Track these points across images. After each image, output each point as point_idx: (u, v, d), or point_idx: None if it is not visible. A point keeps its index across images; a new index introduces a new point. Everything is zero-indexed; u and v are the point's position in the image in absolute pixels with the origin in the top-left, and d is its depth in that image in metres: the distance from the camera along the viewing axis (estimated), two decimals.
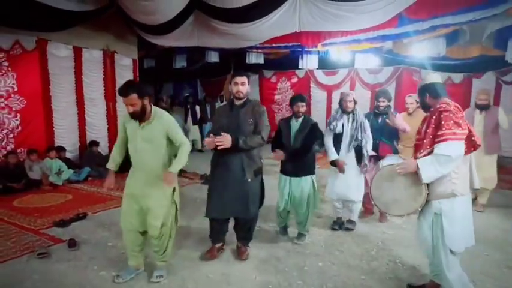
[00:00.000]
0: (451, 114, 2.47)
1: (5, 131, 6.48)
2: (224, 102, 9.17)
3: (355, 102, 4.10)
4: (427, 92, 2.76)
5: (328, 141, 4.16)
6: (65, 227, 4.38)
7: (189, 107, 11.21)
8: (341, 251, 3.80)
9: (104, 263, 3.42)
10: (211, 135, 3.26)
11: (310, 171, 3.92)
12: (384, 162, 2.89)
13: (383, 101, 4.49)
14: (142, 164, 3.05)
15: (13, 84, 6.49)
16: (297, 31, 6.97)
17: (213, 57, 9.55)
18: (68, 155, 7.31)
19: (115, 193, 5.70)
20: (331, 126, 4.13)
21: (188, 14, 6.70)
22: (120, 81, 7.55)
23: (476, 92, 5.74)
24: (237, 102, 3.42)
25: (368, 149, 4.10)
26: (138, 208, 3.04)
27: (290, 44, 7.94)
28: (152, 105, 3.04)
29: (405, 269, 3.39)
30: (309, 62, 9.40)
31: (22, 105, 6.63)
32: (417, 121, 4.31)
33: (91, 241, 3.98)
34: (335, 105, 4.40)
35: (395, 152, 4.47)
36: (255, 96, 12.61)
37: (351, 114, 4.10)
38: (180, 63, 10.20)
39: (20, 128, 6.65)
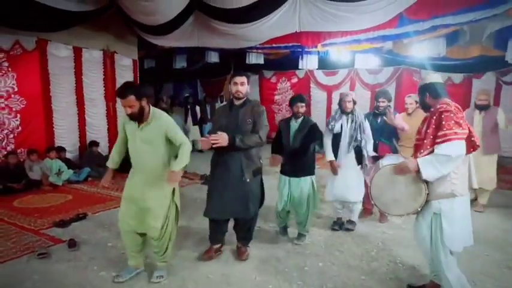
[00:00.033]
0: (452, 115, 2.47)
1: (5, 131, 6.48)
2: (224, 103, 9.16)
3: (354, 103, 4.10)
4: (427, 91, 2.76)
5: (327, 141, 4.18)
6: (65, 227, 4.38)
7: (189, 107, 11.21)
8: (341, 251, 3.80)
9: (104, 264, 3.42)
10: (207, 135, 3.27)
11: (310, 171, 3.92)
12: (383, 162, 2.88)
13: (383, 101, 4.49)
14: (142, 164, 3.06)
15: (13, 84, 6.50)
16: (297, 31, 6.97)
17: (213, 58, 9.55)
18: (68, 155, 7.31)
19: (115, 193, 5.70)
20: (330, 127, 4.14)
21: (188, 15, 6.71)
22: (120, 82, 7.55)
23: (476, 92, 5.74)
24: (237, 102, 3.43)
25: (369, 150, 4.10)
26: (137, 210, 3.03)
27: (290, 45, 7.93)
28: (151, 106, 3.05)
29: (405, 269, 3.39)
30: (309, 62, 9.40)
31: (22, 106, 6.63)
32: (416, 121, 4.32)
33: (91, 241, 3.98)
34: (335, 106, 4.40)
35: (395, 152, 4.47)
36: (255, 96, 12.61)
37: (350, 115, 4.10)
38: (180, 63, 10.20)
39: (20, 128, 6.65)
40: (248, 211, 3.38)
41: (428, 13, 5.67)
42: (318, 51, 9.03)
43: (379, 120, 4.52)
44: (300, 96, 4.00)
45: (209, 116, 11.31)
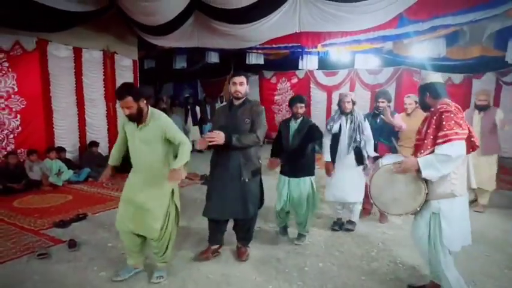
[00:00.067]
0: (452, 115, 2.47)
1: (5, 132, 6.48)
2: (224, 103, 9.17)
3: (353, 103, 4.10)
4: (427, 91, 2.76)
5: (326, 142, 4.20)
6: (65, 227, 4.38)
7: (189, 107, 11.22)
8: (341, 251, 3.80)
9: (104, 264, 3.42)
10: (205, 135, 3.28)
11: (309, 172, 3.91)
12: (383, 161, 2.88)
13: (382, 102, 4.51)
14: (141, 164, 3.07)
15: (13, 84, 6.50)
16: (297, 32, 6.97)
17: (213, 58, 9.55)
18: (68, 155, 7.31)
19: (115, 194, 5.70)
20: (328, 127, 4.17)
21: (188, 15, 6.71)
22: (120, 82, 7.50)
23: (476, 92, 5.73)
24: (236, 102, 3.43)
25: (369, 151, 4.10)
26: (135, 211, 3.03)
27: (290, 45, 7.93)
28: (149, 107, 3.05)
29: (405, 270, 3.39)
30: (309, 62, 9.40)
31: (22, 106, 6.63)
32: (416, 121, 4.33)
33: (91, 242, 3.97)
34: (335, 106, 4.40)
35: (394, 152, 4.46)
36: (255, 96, 12.61)
37: (349, 115, 4.10)
38: (180, 63, 10.20)
39: (20, 128, 6.65)
40: (247, 211, 3.38)
41: (428, 13, 5.67)
42: (318, 52, 9.03)
43: (378, 120, 4.53)
44: (300, 97, 4.00)
45: (209, 117, 11.31)
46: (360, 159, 4.08)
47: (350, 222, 4.37)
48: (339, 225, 4.38)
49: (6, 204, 5.35)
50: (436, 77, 2.81)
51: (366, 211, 4.76)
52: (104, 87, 8.05)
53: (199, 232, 4.07)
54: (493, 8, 5.04)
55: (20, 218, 4.73)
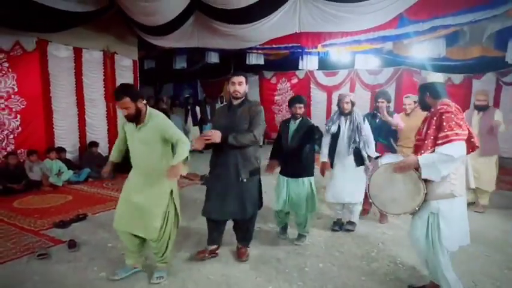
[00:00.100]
0: (453, 116, 2.48)
1: (5, 132, 6.48)
2: (224, 103, 9.18)
3: (353, 104, 4.11)
4: (427, 91, 2.76)
5: (324, 142, 4.24)
6: (65, 228, 4.38)
7: (189, 107, 11.22)
8: (341, 252, 3.80)
9: (104, 264, 3.42)
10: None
11: (309, 172, 3.91)
12: (382, 161, 2.88)
13: (382, 102, 4.53)
14: (140, 164, 3.08)
15: (13, 85, 6.50)
16: (297, 32, 6.97)
17: (213, 58, 9.55)
18: (68, 155, 7.31)
19: (115, 194, 5.70)
20: (327, 128, 4.20)
21: (188, 15, 6.71)
22: (120, 82, 7.54)
23: (475, 92, 5.74)
24: (235, 102, 3.44)
25: (370, 151, 4.09)
26: (134, 212, 3.03)
27: (290, 45, 7.93)
28: (148, 107, 3.05)
29: (405, 270, 3.39)
30: (309, 62, 9.39)
31: (22, 106, 6.63)
32: (415, 121, 4.36)
33: (91, 242, 3.98)
34: (335, 106, 4.41)
35: (393, 152, 4.48)
36: (255, 97, 12.61)
37: (348, 116, 4.11)
38: (180, 64, 10.20)
39: (20, 128, 6.65)
40: (245, 212, 3.38)
41: (428, 14, 5.67)
42: (318, 52, 9.03)
43: (377, 120, 4.54)
44: (299, 97, 4.01)
45: (209, 117, 11.31)
46: (359, 160, 4.09)
47: (350, 222, 4.37)
48: (339, 225, 4.39)
49: (6, 204, 5.35)
50: (437, 77, 2.81)
51: (364, 211, 4.76)
52: (104, 87, 8.06)
53: (200, 232, 4.07)
54: (493, 8, 5.04)
55: (20, 219, 4.73)
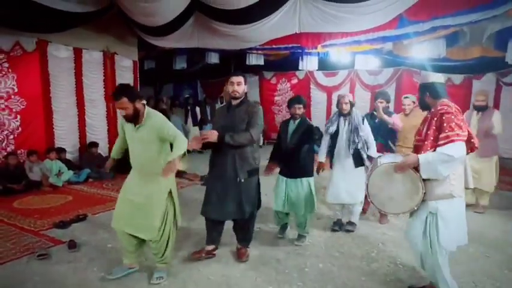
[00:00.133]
0: (453, 117, 2.48)
1: (5, 132, 6.48)
2: (224, 103, 9.21)
3: (351, 105, 4.11)
4: (427, 91, 2.76)
5: (323, 142, 4.29)
6: (65, 228, 4.38)
7: (189, 108, 11.23)
8: (341, 252, 3.80)
9: (104, 265, 3.42)
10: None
11: (308, 173, 3.91)
12: (381, 160, 2.88)
13: (381, 102, 4.57)
14: (139, 164, 3.09)
15: (13, 85, 6.49)
16: (297, 32, 6.98)
17: (213, 59, 9.56)
18: (68, 156, 7.31)
19: (115, 194, 5.68)
20: (326, 128, 4.24)
21: (188, 16, 6.72)
22: (120, 83, 7.55)
23: (475, 93, 5.73)
24: (234, 102, 3.45)
25: (371, 152, 4.09)
26: (132, 211, 3.04)
27: (290, 45, 7.94)
28: (146, 107, 3.06)
29: (406, 271, 3.39)
30: (309, 63, 9.40)
31: (22, 107, 6.63)
32: (413, 121, 4.39)
33: (91, 242, 3.97)
34: (335, 107, 4.42)
35: (392, 151, 4.49)
36: (255, 97, 12.62)
37: (347, 117, 4.12)
38: (180, 64, 10.21)
39: (20, 129, 6.65)
40: (243, 212, 3.38)
41: (428, 14, 5.68)
42: (318, 52, 9.04)
43: (376, 120, 4.55)
44: (298, 98, 4.02)
45: (209, 117, 11.32)
46: (358, 160, 4.09)
47: (350, 223, 4.37)
48: (339, 225, 4.39)
49: (6, 205, 5.34)
50: (437, 77, 2.80)
51: (363, 211, 4.76)
52: (104, 87, 8.05)
53: (200, 233, 4.07)
54: (493, 8, 5.04)
55: (20, 219, 4.73)
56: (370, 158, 4.06)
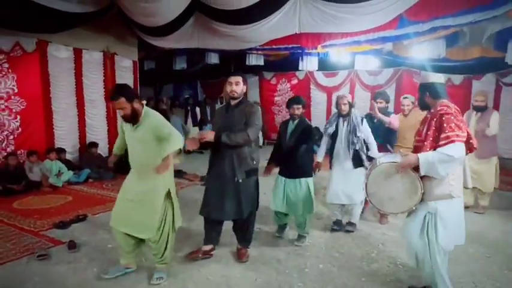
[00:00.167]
0: (452, 117, 2.49)
1: (5, 133, 6.48)
2: (224, 104, 9.22)
3: (350, 105, 4.12)
4: (427, 91, 2.77)
5: (322, 143, 4.33)
6: (65, 228, 4.38)
7: (189, 108, 11.24)
8: (341, 252, 3.79)
9: (104, 265, 3.41)
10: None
11: (306, 173, 3.92)
12: (381, 160, 2.88)
13: (380, 102, 4.59)
14: (137, 164, 3.10)
15: (13, 85, 6.50)
16: (297, 33, 6.97)
17: (213, 59, 9.55)
18: (68, 156, 7.31)
19: (115, 195, 5.68)
20: (325, 129, 4.29)
21: (188, 16, 6.71)
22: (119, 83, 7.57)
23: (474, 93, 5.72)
24: (233, 102, 3.47)
25: (372, 153, 4.09)
26: (130, 211, 3.04)
27: (290, 46, 7.93)
28: (144, 107, 3.07)
29: (406, 271, 3.39)
30: (309, 63, 9.39)
31: (22, 107, 6.63)
32: (412, 121, 4.40)
33: (91, 243, 3.97)
34: (334, 107, 4.45)
35: (391, 152, 4.50)
36: (255, 97, 12.63)
37: (347, 117, 4.12)
38: (180, 64, 10.20)
39: (20, 129, 6.65)
40: (241, 212, 3.38)
41: (428, 14, 5.67)
42: (318, 53, 9.02)
43: (375, 121, 4.55)
44: (297, 99, 4.03)
45: (209, 117, 11.32)
46: (356, 162, 4.09)
47: (350, 223, 4.37)
48: (338, 225, 4.38)
49: (6, 205, 5.34)
50: (437, 77, 2.81)
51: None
52: (104, 88, 8.05)
53: (200, 233, 4.06)
54: (493, 9, 5.04)
55: (20, 219, 4.73)
56: (370, 158, 4.06)
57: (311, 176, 3.96)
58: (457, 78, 9.73)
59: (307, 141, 3.88)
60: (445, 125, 2.48)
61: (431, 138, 2.56)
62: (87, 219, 4.74)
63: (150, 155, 3.01)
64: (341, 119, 4.17)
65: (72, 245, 3.78)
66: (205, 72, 11.83)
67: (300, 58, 9.39)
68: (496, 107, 8.61)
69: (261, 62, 9.89)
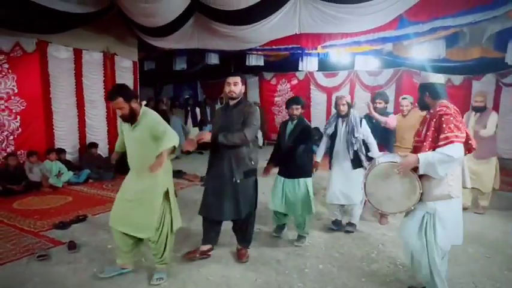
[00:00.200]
0: (452, 118, 2.49)
1: (5, 133, 6.48)
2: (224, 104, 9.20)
3: (349, 106, 4.13)
4: (427, 91, 2.77)
5: (322, 143, 4.36)
6: (65, 229, 4.38)
7: (189, 109, 11.24)
8: (341, 253, 3.79)
9: (104, 265, 3.41)
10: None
11: (305, 173, 3.92)
12: (380, 160, 2.89)
13: (380, 103, 4.62)
14: (135, 163, 3.10)
15: (13, 86, 6.49)
16: (297, 33, 6.97)
17: (213, 59, 9.55)
18: (68, 157, 7.31)
19: (115, 195, 5.68)
20: (324, 129, 4.32)
21: (188, 16, 6.71)
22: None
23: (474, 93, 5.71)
24: (231, 103, 3.48)
25: (373, 153, 4.09)
26: (129, 211, 3.05)
27: (290, 46, 7.93)
28: (143, 107, 3.07)
29: (406, 271, 3.39)
30: (309, 64, 9.39)
31: (22, 107, 6.63)
32: (411, 121, 4.40)
33: (91, 243, 3.97)
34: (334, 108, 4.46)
35: (390, 151, 4.51)
36: (255, 98, 12.64)
37: (345, 118, 4.13)
38: (180, 65, 10.20)
39: (20, 130, 6.65)
40: (239, 212, 3.38)
41: (428, 15, 5.67)
42: (318, 53, 9.03)
43: (374, 121, 4.56)
44: (296, 99, 4.05)
45: (209, 118, 11.32)
46: (355, 162, 4.09)
47: (350, 224, 4.37)
48: (337, 225, 4.39)
49: (6, 205, 5.34)
50: (438, 78, 2.81)
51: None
52: (104, 88, 8.04)
53: (199, 234, 4.04)
54: (493, 9, 5.04)
55: (20, 220, 4.73)
56: (370, 158, 4.06)
57: (310, 176, 3.96)
58: (457, 79, 9.73)
59: (305, 142, 3.89)
60: (444, 125, 2.48)
61: (430, 139, 2.56)
62: (87, 219, 4.74)
63: (148, 155, 3.00)
64: (340, 120, 4.18)
65: (72, 246, 3.78)
66: (205, 73, 11.83)
67: (300, 58, 9.39)
68: (496, 107, 8.62)
69: (261, 63, 9.89)
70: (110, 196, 5.82)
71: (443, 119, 2.51)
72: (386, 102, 4.71)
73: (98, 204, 5.41)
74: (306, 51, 8.66)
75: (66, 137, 7.42)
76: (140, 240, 3.20)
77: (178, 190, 6.10)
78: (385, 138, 4.59)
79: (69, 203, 5.58)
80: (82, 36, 7.32)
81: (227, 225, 3.68)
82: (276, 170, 4.10)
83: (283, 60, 10.33)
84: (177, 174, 7.14)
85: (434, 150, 2.51)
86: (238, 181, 3.36)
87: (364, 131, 4.12)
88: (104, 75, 8.03)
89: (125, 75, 8.51)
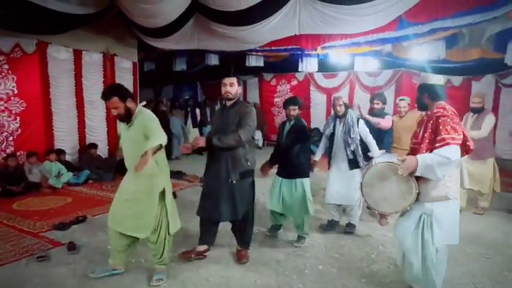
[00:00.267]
0: (448, 120, 2.50)
1: (5, 134, 6.47)
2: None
3: (346, 107, 4.14)
4: (426, 91, 2.78)
5: (321, 143, 4.39)
6: (65, 230, 4.37)
7: (189, 109, 11.23)
8: (341, 254, 3.79)
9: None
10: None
11: (303, 173, 3.93)
12: (377, 160, 2.89)
13: (377, 104, 4.62)
14: (131, 163, 3.06)
15: (13, 87, 6.49)
16: (297, 34, 6.98)
17: (213, 60, 9.56)
18: (68, 157, 7.30)
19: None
20: (323, 130, 4.36)
21: (188, 17, 6.72)
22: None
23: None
24: (228, 103, 3.48)
25: (373, 151, 4.09)
26: (126, 211, 3.05)
27: (290, 47, 7.94)
28: (139, 106, 3.07)
29: None
30: (308, 65, 9.40)
31: (22, 108, 6.62)
32: (408, 122, 4.41)
33: (90, 244, 3.97)
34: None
35: (388, 151, 4.51)
36: (255, 98, 12.65)
37: (343, 119, 4.14)
38: (180, 66, 10.21)
39: (19, 130, 6.64)
40: (236, 213, 3.38)
41: (427, 16, 5.68)
42: (318, 54, 9.03)
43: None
44: (293, 99, 4.06)
45: (209, 119, 11.32)
46: (353, 163, 4.09)
47: (350, 224, 4.37)
48: (332, 225, 4.40)
49: (5, 206, 5.33)
50: (437, 79, 2.82)
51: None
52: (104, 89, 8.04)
53: (198, 234, 4.05)
54: (493, 10, 5.04)
55: (19, 221, 4.72)
56: (369, 158, 4.06)
57: (307, 176, 3.97)
58: (457, 80, 9.74)
59: (302, 141, 3.91)
60: (441, 127, 2.49)
61: (427, 141, 2.58)
62: (86, 220, 4.73)
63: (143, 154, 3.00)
64: (337, 120, 4.20)
65: (71, 247, 3.78)
66: (205, 74, 11.83)
67: (300, 59, 9.40)
68: (496, 108, 8.62)
69: (261, 63, 9.90)
70: (110, 197, 5.81)
71: (440, 120, 2.52)
72: (384, 103, 4.72)
73: (97, 205, 5.40)
74: (306, 52, 8.67)
75: (65, 138, 7.41)
76: (136, 239, 3.19)
77: (178, 191, 6.09)
78: (380, 139, 4.59)
79: (69, 204, 5.57)
80: (82, 37, 7.31)
81: (227, 226, 3.68)
82: (274, 170, 4.11)
83: (283, 61, 10.34)
84: (177, 175, 7.14)
85: (431, 151, 2.51)
86: (235, 182, 3.36)
87: (362, 131, 4.12)
88: (103, 76, 8.02)
89: (125, 76, 8.50)
